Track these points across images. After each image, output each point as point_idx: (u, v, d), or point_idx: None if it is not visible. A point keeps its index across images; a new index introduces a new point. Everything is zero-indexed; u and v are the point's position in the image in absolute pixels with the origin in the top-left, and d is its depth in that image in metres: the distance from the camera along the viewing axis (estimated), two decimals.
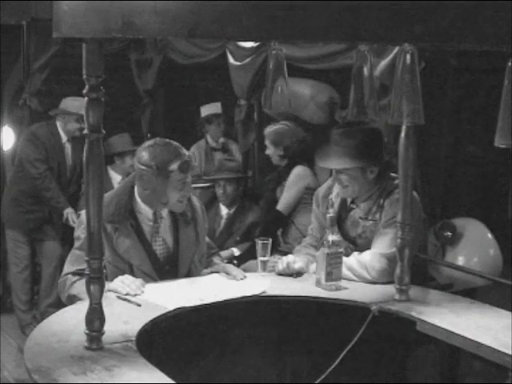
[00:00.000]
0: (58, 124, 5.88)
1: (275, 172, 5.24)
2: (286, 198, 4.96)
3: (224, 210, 5.30)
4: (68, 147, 5.93)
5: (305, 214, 4.79)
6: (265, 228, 4.91)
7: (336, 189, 3.50)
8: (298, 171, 4.99)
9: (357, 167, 3.32)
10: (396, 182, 3.37)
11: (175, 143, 3.24)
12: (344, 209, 3.46)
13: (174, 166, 3.13)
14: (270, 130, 5.16)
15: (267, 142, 5.14)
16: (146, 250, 3.22)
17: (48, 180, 5.71)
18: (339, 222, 3.44)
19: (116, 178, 5.88)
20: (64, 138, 5.89)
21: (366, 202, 3.40)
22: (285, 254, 4.20)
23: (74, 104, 5.79)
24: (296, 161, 5.03)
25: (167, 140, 3.24)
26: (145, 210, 3.23)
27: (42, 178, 5.69)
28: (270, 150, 5.12)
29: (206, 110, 6.72)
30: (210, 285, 3.15)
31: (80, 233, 3.10)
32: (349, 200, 3.46)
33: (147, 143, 3.26)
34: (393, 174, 3.42)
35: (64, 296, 3.14)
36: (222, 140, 6.69)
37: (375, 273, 3.22)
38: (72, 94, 5.81)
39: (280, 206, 4.96)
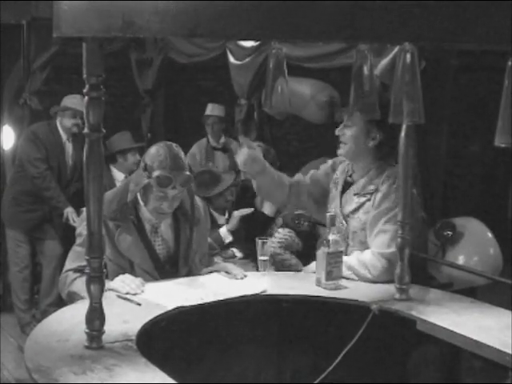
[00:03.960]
0: (58, 122, 5.88)
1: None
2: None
3: (221, 219, 5.24)
4: (69, 146, 5.92)
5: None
6: (249, 230, 4.89)
7: (340, 168, 3.54)
8: None
9: (362, 128, 3.33)
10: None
11: (180, 158, 3.18)
12: (345, 186, 3.47)
13: (155, 174, 3.13)
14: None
15: None
16: (147, 248, 3.22)
17: (48, 179, 5.71)
18: (340, 198, 3.46)
19: (119, 176, 5.88)
20: (64, 136, 5.89)
21: (363, 178, 3.39)
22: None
23: (72, 101, 5.80)
24: None
25: (176, 150, 3.19)
26: (145, 209, 3.23)
27: (41, 178, 5.70)
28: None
29: (210, 110, 6.72)
30: (211, 284, 3.15)
31: (82, 229, 3.10)
32: (348, 176, 3.46)
33: (163, 142, 3.24)
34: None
35: (64, 293, 3.15)
36: (222, 140, 6.69)
37: (376, 272, 3.22)
38: (72, 94, 5.82)
39: (266, 209, 4.96)
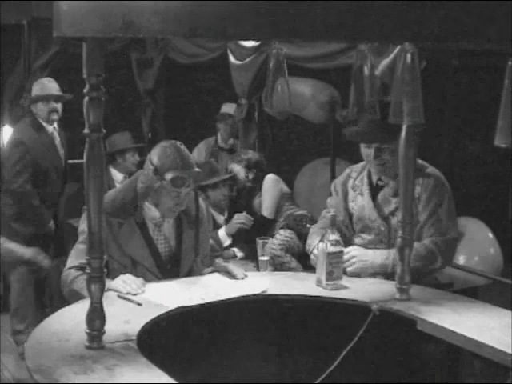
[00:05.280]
0: (36, 115, 5.47)
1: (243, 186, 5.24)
2: (267, 202, 5.00)
3: (220, 219, 5.24)
4: (56, 137, 5.56)
5: (286, 211, 4.95)
6: (249, 233, 4.90)
7: (355, 173, 3.58)
8: (271, 177, 5.09)
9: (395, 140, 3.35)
10: (428, 170, 3.43)
11: (187, 156, 3.21)
12: (373, 188, 3.50)
13: (169, 176, 3.13)
14: (244, 156, 5.16)
15: (239, 168, 5.12)
16: (150, 246, 3.23)
17: (29, 195, 5.29)
18: (373, 201, 3.49)
19: (118, 177, 5.85)
20: (50, 128, 5.48)
21: (394, 180, 3.41)
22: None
23: (38, 87, 5.48)
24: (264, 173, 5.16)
25: (183, 148, 3.22)
26: (149, 208, 3.24)
27: (22, 193, 5.28)
28: (241, 175, 5.12)
29: (225, 108, 6.74)
30: (211, 284, 3.15)
31: (84, 226, 3.09)
32: (375, 179, 3.50)
33: (167, 142, 3.25)
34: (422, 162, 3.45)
35: (65, 290, 3.15)
36: (231, 142, 6.70)
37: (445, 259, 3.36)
38: (73, 94, 5.74)
39: (264, 211, 4.98)
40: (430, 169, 3.46)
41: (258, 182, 5.07)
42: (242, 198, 5.17)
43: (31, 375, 2.24)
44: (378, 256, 3.36)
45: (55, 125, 5.55)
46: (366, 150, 3.44)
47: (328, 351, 2.94)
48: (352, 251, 3.36)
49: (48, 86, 5.52)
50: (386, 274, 3.32)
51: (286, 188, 5.14)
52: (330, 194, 3.70)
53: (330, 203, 3.65)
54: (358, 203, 3.54)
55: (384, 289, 3.12)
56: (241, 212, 5.05)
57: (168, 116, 7.61)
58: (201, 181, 3.27)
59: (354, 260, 3.34)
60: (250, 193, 5.13)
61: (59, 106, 5.50)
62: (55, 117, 5.46)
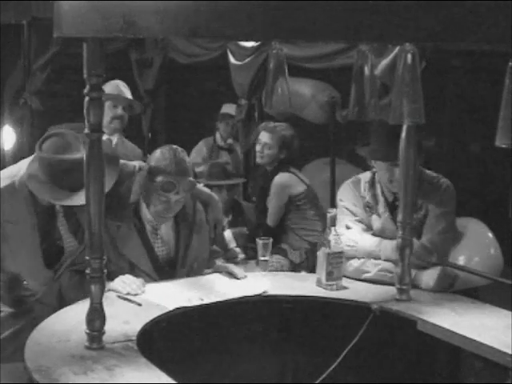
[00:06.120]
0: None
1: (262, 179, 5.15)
2: (271, 211, 4.90)
3: (224, 221, 5.20)
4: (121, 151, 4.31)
5: (299, 220, 4.86)
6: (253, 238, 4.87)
7: (367, 193, 3.40)
8: (281, 180, 4.83)
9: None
10: (440, 181, 3.33)
11: (185, 162, 3.19)
12: (391, 205, 3.35)
13: (159, 179, 3.13)
14: (284, 132, 4.93)
15: (272, 141, 4.86)
16: (147, 249, 3.22)
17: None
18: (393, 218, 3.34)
19: None
20: (112, 139, 4.40)
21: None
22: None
23: (108, 87, 4.29)
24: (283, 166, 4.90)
25: (182, 155, 3.20)
26: (145, 210, 3.23)
27: None
28: (272, 151, 4.86)
29: (225, 109, 6.73)
30: (211, 284, 3.15)
31: None
32: (389, 197, 3.35)
33: (169, 146, 3.24)
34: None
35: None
36: (229, 141, 6.70)
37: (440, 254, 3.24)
38: (72, 94, 5.73)
39: (268, 219, 4.91)
40: (442, 180, 3.34)
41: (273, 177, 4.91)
42: (259, 198, 5.13)
43: (31, 375, 2.24)
44: (367, 241, 3.27)
45: (116, 137, 4.42)
46: (391, 170, 3.26)
47: (328, 351, 2.94)
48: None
49: (122, 89, 4.49)
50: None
51: (297, 189, 4.84)
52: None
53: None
54: (374, 225, 3.38)
55: (384, 289, 3.12)
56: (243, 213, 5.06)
57: (168, 116, 7.61)
58: (191, 190, 3.23)
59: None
60: (264, 192, 5.04)
61: (126, 116, 4.46)
62: (117, 126, 4.40)
